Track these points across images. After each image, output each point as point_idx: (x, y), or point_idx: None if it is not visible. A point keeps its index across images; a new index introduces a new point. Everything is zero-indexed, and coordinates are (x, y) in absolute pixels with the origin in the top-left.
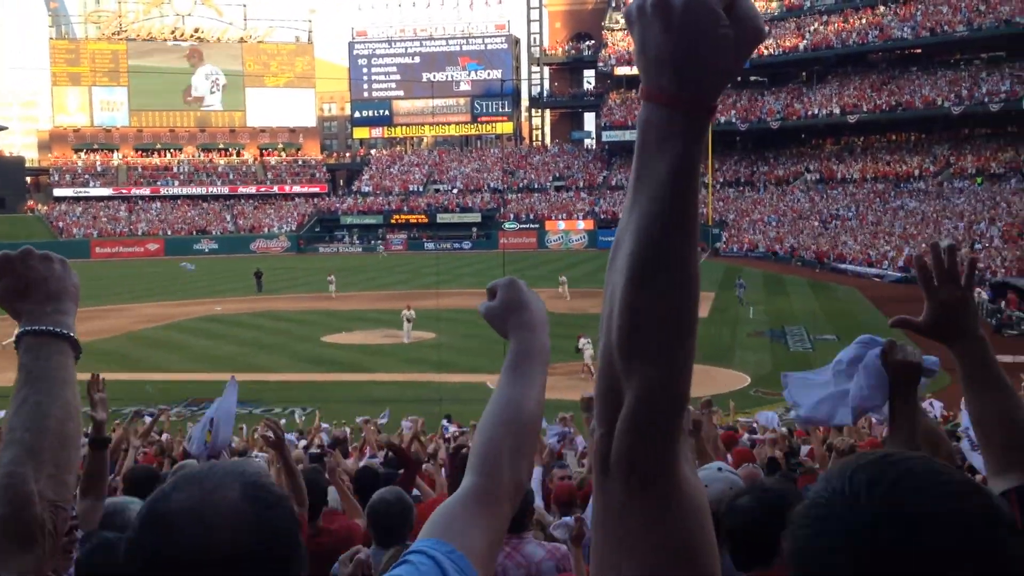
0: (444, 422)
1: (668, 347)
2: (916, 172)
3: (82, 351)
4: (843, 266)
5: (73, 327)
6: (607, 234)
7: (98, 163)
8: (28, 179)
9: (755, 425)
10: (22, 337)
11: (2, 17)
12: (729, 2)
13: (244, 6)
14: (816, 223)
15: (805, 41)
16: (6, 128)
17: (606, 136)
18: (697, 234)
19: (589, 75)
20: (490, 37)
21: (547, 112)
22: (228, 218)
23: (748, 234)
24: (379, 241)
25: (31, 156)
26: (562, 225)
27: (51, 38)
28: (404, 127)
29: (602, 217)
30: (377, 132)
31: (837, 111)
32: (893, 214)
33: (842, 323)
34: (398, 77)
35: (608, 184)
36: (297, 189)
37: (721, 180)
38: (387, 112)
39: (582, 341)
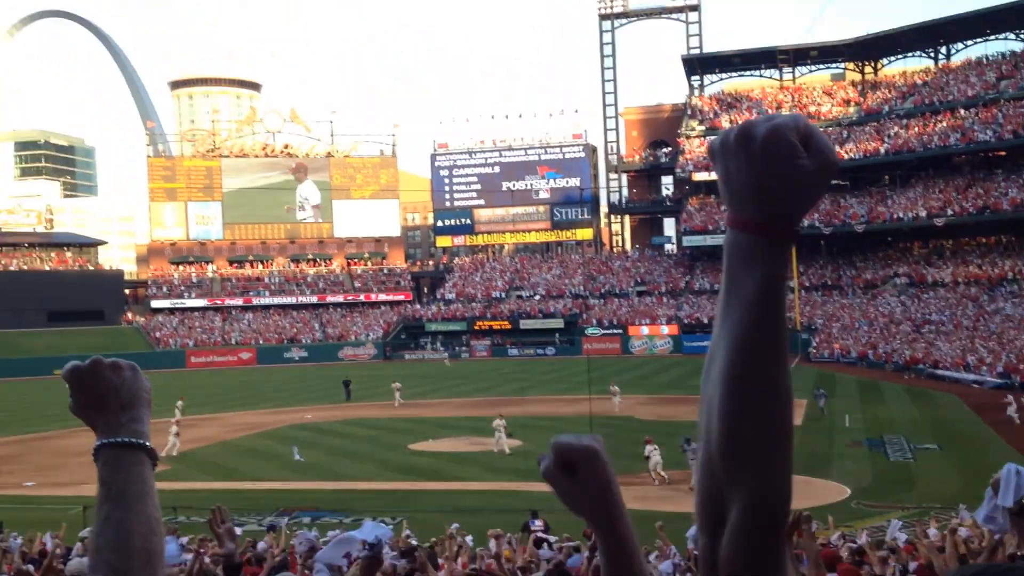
0: (531, 520)
1: (768, 455)
2: (1009, 275)
3: (158, 458)
4: (939, 372)
5: (148, 435)
6: (692, 339)
7: (193, 275)
8: (127, 292)
9: (884, 541)
10: (99, 450)
11: (104, 137)
12: (806, 136)
13: (331, 122)
14: (908, 328)
15: (886, 145)
16: (105, 243)
17: (687, 241)
18: (786, 345)
19: (667, 181)
20: (568, 146)
21: (627, 218)
22: (317, 326)
23: (839, 340)
24: (463, 347)
25: (130, 269)
26: (646, 330)
27: (149, 156)
28: (485, 235)
29: (686, 322)
30: (459, 240)
31: (923, 214)
32: (989, 318)
33: (943, 431)
34: (479, 186)
35: (691, 289)
36: (383, 297)
37: (807, 284)
38: (469, 220)
39: (648, 448)
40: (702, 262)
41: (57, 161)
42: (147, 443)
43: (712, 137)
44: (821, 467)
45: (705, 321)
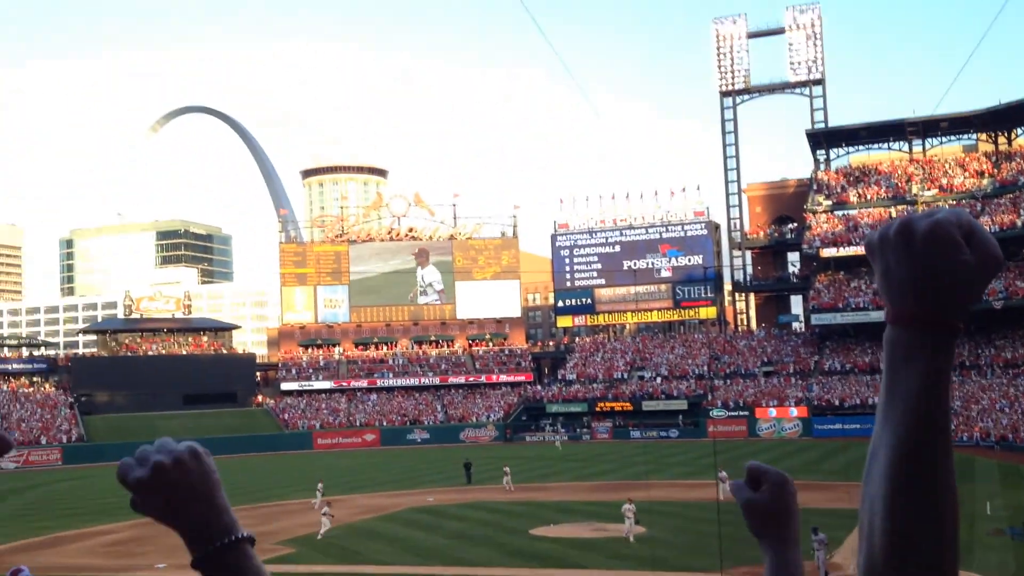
0: None
1: (934, 555)
2: None
3: (255, 539)
4: None
5: (237, 521)
6: (823, 421)
7: (321, 358)
8: (258, 374)
9: None
10: (205, 561)
11: (239, 224)
12: (968, 231)
13: (454, 205)
14: None
15: (1022, 217)
16: (238, 327)
17: (816, 319)
18: (950, 442)
19: (793, 258)
20: (689, 224)
21: (751, 296)
22: (439, 408)
23: (978, 422)
24: (584, 429)
25: (261, 352)
26: (773, 412)
27: (281, 242)
28: (607, 314)
29: (816, 404)
30: (580, 320)
31: None
32: None
33: None
34: (599, 266)
35: (821, 369)
36: (504, 378)
37: None
38: (589, 300)
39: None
40: (832, 341)
41: (196, 249)
42: (245, 533)
43: (870, 232)
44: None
45: (836, 403)
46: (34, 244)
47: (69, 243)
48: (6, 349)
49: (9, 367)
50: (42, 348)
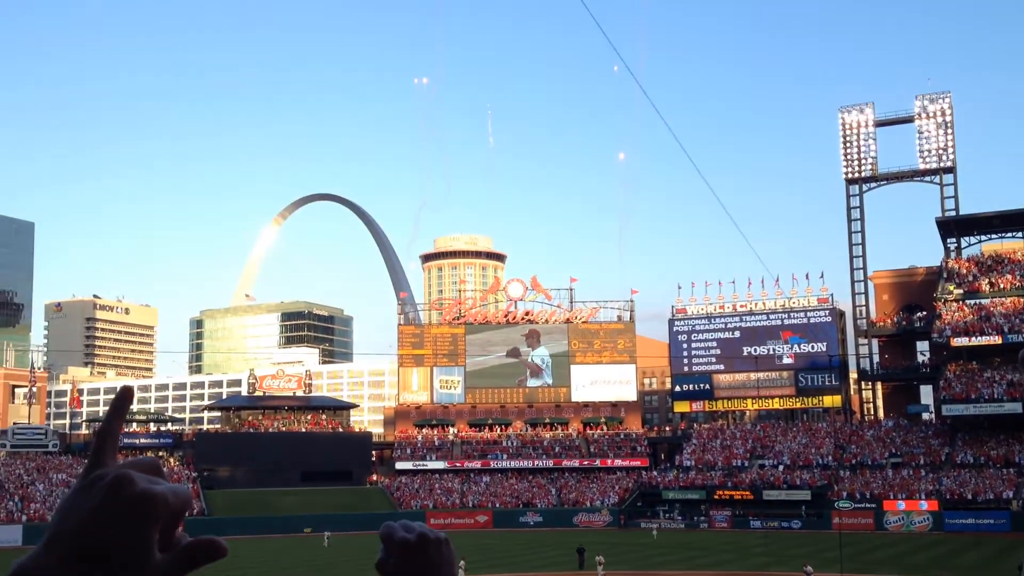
0: None
1: None
2: None
3: None
4: None
5: None
6: (955, 516)
7: (436, 438)
8: (374, 453)
9: None
10: None
11: (359, 306)
12: None
13: (571, 290)
14: None
15: None
16: (356, 406)
17: (946, 410)
18: None
19: (922, 347)
20: (813, 311)
21: (878, 385)
22: (552, 491)
23: None
24: (702, 517)
25: (377, 431)
26: (902, 505)
27: (400, 324)
28: (725, 400)
29: (948, 498)
30: (698, 406)
31: None
32: None
33: None
34: (718, 351)
35: (952, 461)
36: (619, 463)
37: None
38: (708, 385)
39: None
40: (964, 433)
41: (318, 330)
42: None
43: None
44: None
45: (969, 497)
46: (166, 324)
47: (199, 323)
48: (135, 424)
49: (137, 441)
50: (169, 424)
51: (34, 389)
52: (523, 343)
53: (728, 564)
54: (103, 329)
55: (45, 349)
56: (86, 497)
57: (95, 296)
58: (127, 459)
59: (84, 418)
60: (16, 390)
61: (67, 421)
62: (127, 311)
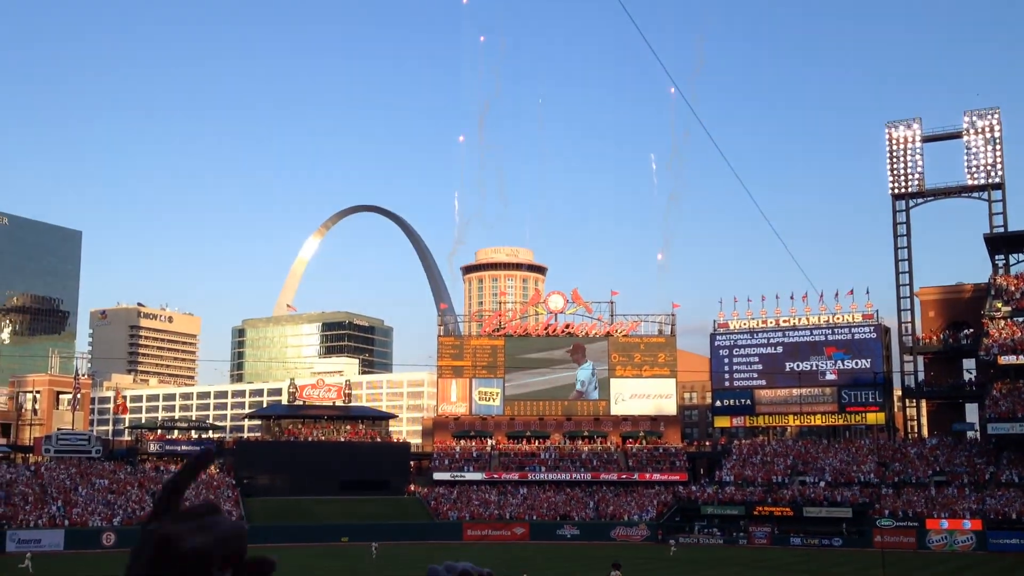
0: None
1: None
2: None
3: None
4: None
5: None
6: (999, 536)
7: (474, 449)
8: (412, 463)
9: None
10: None
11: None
12: None
13: (612, 303)
14: None
15: None
16: (395, 416)
17: (992, 428)
18: None
19: (969, 364)
20: (857, 327)
21: (923, 402)
22: (590, 504)
23: None
24: (741, 533)
25: (415, 442)
26: (945, 524)
27: (440, 335)
28: (767, 416)
29: (992, 517)
30: (739, 421)
31: None
32: None
33: None
34: (760, 367)
35: (997, 481)
36: (657, 477)
37: None
38: (749, 401)
39: None
40: (1010, 451)
41: (358, 340)
42: None
43: None
44: None
45: (1014, 517)
46: (209, 333)
47: (241, 332)
48: (177, 431)
49: (178, 448)
50: (210, 432)
51: (78, 396)
52: (563, 356)
53: None
54: (147, 337)
55: (90, 356)
56: (144, 549)
57: (139, 304)
58: (187, 503)
59: (127, 425)
60: (60, 396)
61: (110, 428)
62: (171, 319)
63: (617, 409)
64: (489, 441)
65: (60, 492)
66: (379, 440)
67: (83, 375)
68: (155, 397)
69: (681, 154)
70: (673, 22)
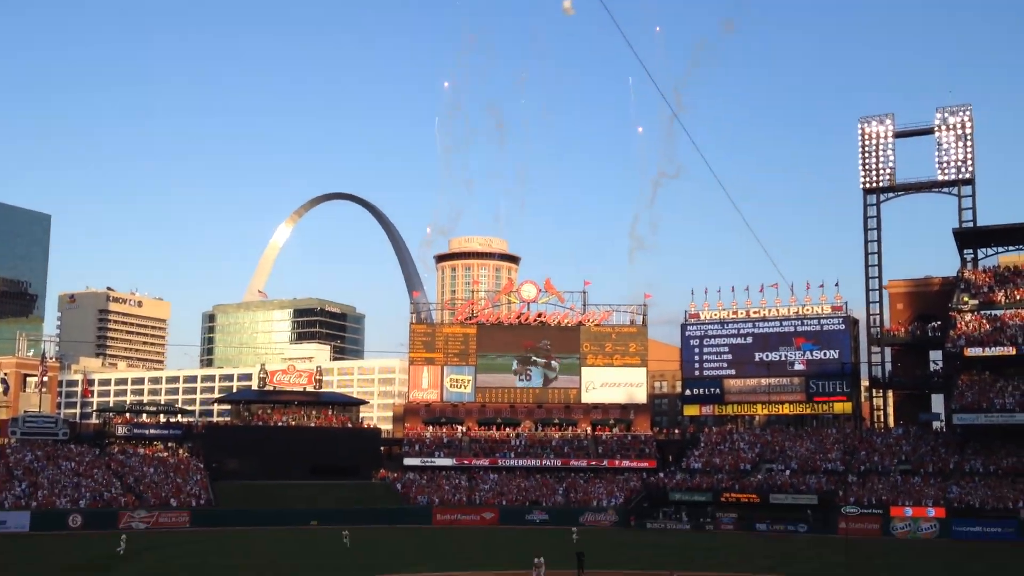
0: None
1: None
2: None
3: None
4: None
5: None
6: (961, 524)
7: (444, 435)
8: (382, 449)
9: None
10: None
11: (371, 304)
12: None
13: (584, 292)
14: None
15: None
16: (366, 403)
17: (958, 419)
18: None
19: (936, 356)
20: (826, 318)
21: (890, 393)
22: (559, 490)
23: None
24: (708, 520)
25: (386, 428)
26: (909, 512)
27: (412, 323)
28: (735, 405)
29: (956, 506)
30: (708, 409)
31: None
32: None
33: None
34: (729, 356)
35: (961, 470)
36: (627, 464)
37: None
38: (718, 390)
39: None
40: (974, 442)
41: (329, 327)
42: None
43: None
44: None
45: (977, 505)
46: (179, 318)
47: (211, 317)
48: (145, 415)
49: (146, 432)
50: (179, 416)
51: (45, 378)
52: (535, 345)
53: (735, 567)
54: (116, 321)
55: (58, 339)
56: None
57: (109, 288)
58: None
59: (95, 408)
60: (28, 379)
61: (78, 411)
62: (140, 304)
63: (588, 397)
64: (460, 428)
65: (26, 474)
66: (350, 426)
67: (51, 358)
68: (124, 381)
69: (656, 147)
70: (650, 19)
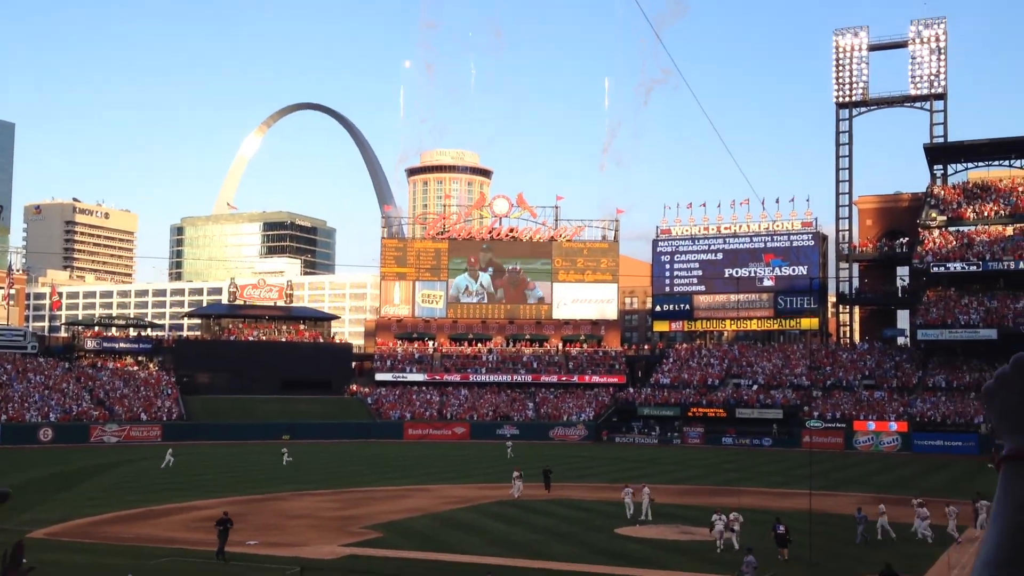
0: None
1: None
2: None
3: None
4: None
5: None
6: (923, 437)
7: (416, 351)
8: (354, 364)
9: None
10: None
11: (343, 218)
12: None
13: (556, 208)
14: None
15: None
16: (337, 318)
17: (922, 335)
18: None
19: (903, 272)
20: (796, 234)
21: (856, 309)
22: (530, 405)
23: None
24: (675, 434)
25: (358, 343)
26: (872, 426)
27: (383, 238)
28: (704, 321)
29: (917, 420)
30: (677, 325)
31: None
32: None
33: None
34: (700, 273)
35: (924, 385)
36: (597, 379)
37: None
38: (688, 306)
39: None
40: (938, 357)
41: (300, 240)
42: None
43: (988, 383)
44: None
45: (939, 420)
46: (147, 230)
47: (180, 230)
48: (115, 329)
49: (116, 346)
50: (149, 330)
51: (12, 291)
52: (507, 259)
53: (701, 479)
54: (82, 233)
55: (24, 251)
56: None
57: (75, 200)
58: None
59: (63, 321)
60: None
61: (46, 324)
62: (107, 215)
63: (559, 313)
64: (431, 343)
65: None
66: (321, 341)
67: (17, 271)
68: (92, 294)
69: (628, 59)
70: None
